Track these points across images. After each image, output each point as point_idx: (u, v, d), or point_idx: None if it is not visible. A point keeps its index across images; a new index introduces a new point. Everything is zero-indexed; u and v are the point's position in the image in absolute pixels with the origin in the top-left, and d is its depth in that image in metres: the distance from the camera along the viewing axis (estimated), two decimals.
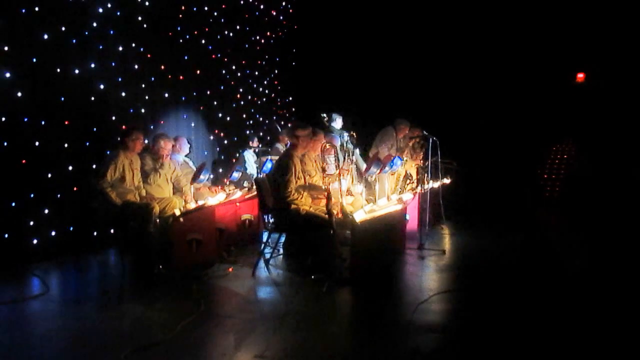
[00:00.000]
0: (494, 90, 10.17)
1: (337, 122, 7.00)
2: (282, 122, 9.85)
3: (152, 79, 6.61)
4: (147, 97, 6.51)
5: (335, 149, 5.33)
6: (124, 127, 5.72)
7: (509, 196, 9.79)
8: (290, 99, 10.67)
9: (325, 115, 6.78)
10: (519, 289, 4.33)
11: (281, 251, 5.36)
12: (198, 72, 7.63)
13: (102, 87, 5.77)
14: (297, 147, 4.76)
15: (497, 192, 9.83)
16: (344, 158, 6.07)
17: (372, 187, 6.69)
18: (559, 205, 10.27)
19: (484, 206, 9.26)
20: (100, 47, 5.79)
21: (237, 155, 8.42)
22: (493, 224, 8.01)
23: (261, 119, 9.67)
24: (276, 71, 10.18)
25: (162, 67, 6.80)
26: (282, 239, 5.34)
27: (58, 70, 5.30)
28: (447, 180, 7.95)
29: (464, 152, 9.02)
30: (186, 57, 7.32)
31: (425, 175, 6.24)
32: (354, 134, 6.16)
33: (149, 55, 6.51)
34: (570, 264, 5.35)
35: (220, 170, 7.93)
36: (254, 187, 5.52)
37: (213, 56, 8.08)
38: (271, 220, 4.93)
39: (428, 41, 10.12)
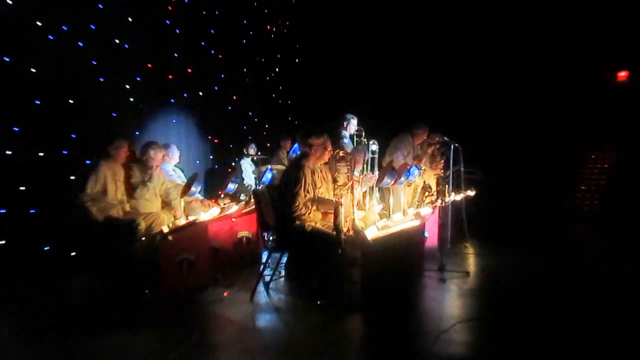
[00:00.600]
0: (523, 90, 10.21)
1: (352, 126, 6.91)
2: (284, 127, 9.92)
3: (138, 78, 6.70)
4: (132, 100, 6.59)
5: (352, 157, 5.37)
6: (106, 133, 5.79)
7: (541, 211, 9.78)
8: (291, 101, 10.75)
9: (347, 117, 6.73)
10: (554, 319, 4.32)
11: (283, 273, 5.38)
12: (189, 70, 7.72)
13: (81, 88, 5.85)
14: (310, 156, 4.81)
15: (529, 206, 9.83)
16: (366, 169, 6.00)
17: (386, 200, 6.72)
18: (599, 222, 10.23)
19: (514, 222, 9.26)
20: (80, 43, 5.88)
21: (233, 164, 8.48)
22: (524, 242, 7.99)
23: (260, 122, 9.75)
24: (277, 69, 10.27)
25: (149, 65, 6.89)
26: (284, 259, 5.36)
27: (32, 70, 5.38)
28: (471, 192, 7.97)
29: (490, 160, 9.05)
30: (176, 55, 7.41)
31: (446, 186, 6.27)
32: (365, 140, 6.21)
33: (134, 53, 6.60)
34: (614, 290, 5.33)
35: (215, 181, 7.99)
36: (252, 200, 5.56)
37: (206, 53, 8.17)
38: (271, 238, 4.96)
39: (448, 34, 10.20)
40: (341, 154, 5.00)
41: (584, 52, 10.04)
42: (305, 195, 4.66)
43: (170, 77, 7.30)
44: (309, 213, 4.65)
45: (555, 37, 9.99)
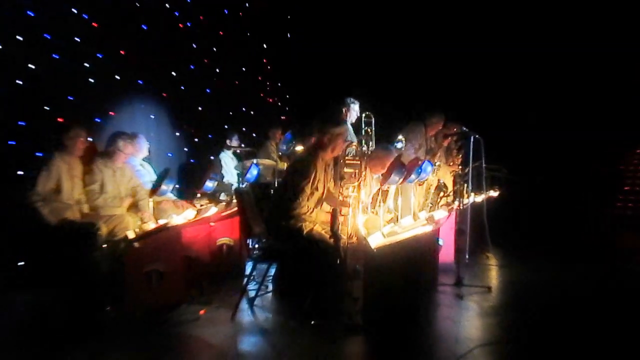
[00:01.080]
0: (555, 75, 10.23)
1: (353, 112, 6.85)
2: (273, 114, 9.94)
3: (100, 55, 6.69)
4: (92, 81, 6.58)
5: (376, 158, 5.41)
6: (60, 121, 5.78)
7: (578, 214, 9.81)
8: (281, 84, 10.75)
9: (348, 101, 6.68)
10: (593, 341, 4.33)
11: (270, 287, 5.38)
12: (161, 47, 7.71)
13: (32, 67, 5.83)
14: (326, 148, 4.83)
15: (562, 209, 9.85)
16: None
17: (394, 201, 6.73)
18: None
19: (545, 228, 9.28)
20: (32, 14, 5.85)
21: (212, 158, 8.48)
22: (557, 251, 8.02)
23: (245, 109, 9.75)
24: (265, 45, 10.27)
25: (113, 40, 6.87)
26: (272, 271, 5.36)
27: None
28: (494, 193, 8.01)
29: (516, 154, 9.07)
30: (145, 27, 7.40)
31: (465, 185, 6.28)
32: (369, 130, 6.20)
33: (94, 25, 6.58)
34: None
35: (190, 178, 7.98)
36: (234, 201, 5.56)
37: (180, 25, 8.16)
38: (257, 246, 4.96)
39: (471, 14, 10.22)
40: (352, 146, 5.01)
41: (628, 40, 10.06)
42: (313, 193, 4.68)
43: (137, 55, 7.28)
44: (311, 212, 4.66)
45: (599, 25, 10.00)
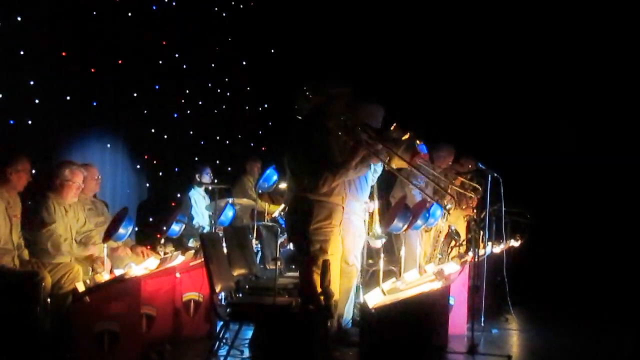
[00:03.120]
0: (590, 100, 10.32)
1: None
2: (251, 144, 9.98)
3: (46, 70, 6.75)
4: (37, 101, 6.63)
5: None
6: None
7: (616, 269, 9.81)
8: (267, 105, 10.80)
9: None
10: None
11: (246, 353, 5.38)
12: (119, 62, 7.78)
13: None
14: (328, 113, 4.81)
15: (597, 261, 9.85)
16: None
17: (396, 251, 6.76)
18: None
19: (578, 284, 9.27)
20: None
21: (179, 195, 8.50)
22: (589, 314, 8.01)
23: (219, 137, 9.77)
24: (244, 62, 10.35)
25: (63, 53, 6.96)
26: (249, 333, 5.36)
27: None
28: (515, 242, 8.04)
29: (542, 196, 9.13)
30: (101, 39, 7.47)
31: (481, 233, 6.32)
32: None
33: (39, 35, 6.63)
34: None
35: (151, 219, 8.00)
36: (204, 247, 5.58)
37: (144, 36, 8.22)
38: (223, 303, 4.95)
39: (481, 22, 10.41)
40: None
41: None
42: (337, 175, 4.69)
43: (92, 70, 7.34)
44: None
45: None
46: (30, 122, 6.56)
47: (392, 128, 4.89)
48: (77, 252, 5.49)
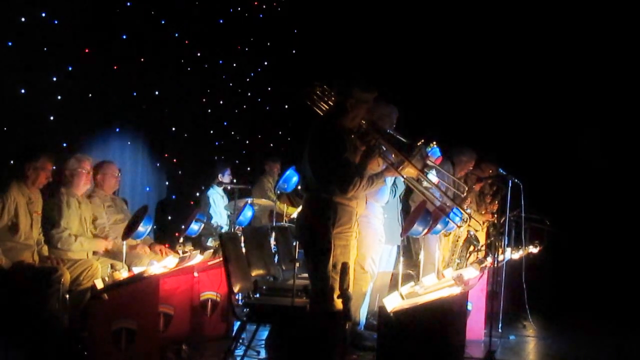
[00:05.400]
0: (615, 107, 10.25)
1: None
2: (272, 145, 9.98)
3: (70, 68, 6.80)
4: (59, 98, 6.66)
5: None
6: (21, 145, 5.84)
7: (636, 277, 9.73)
8: (287, 105, 10.80)
9: None
10: None
11: (263, 354, 5.38)
12: (142, 59, 7.81)
13: None
14: (346, 115, 4.73)
15: (616, 269, 9.78)
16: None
17: (414, 255, 6.74)
18: None
19: (597, 291, 9.20)
20: None
21: (199, 195, 8.51)
22: (608, 322, 7.95)
23: (239, 137, 9.78)
24: (266, 63, 10.36)
25: (86, 50, 6.99)
26: (265, 334, 5.36)
27: None
28: (534, 249, 8.00)
29: (563, 203, 9.07)
30: (124, 37, 7.51)
31: (501, 239, 6.29)
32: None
33: (63, 32, 6.67)
34: None
35: (170, 218, 8.01)
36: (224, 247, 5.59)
37: (167, 34, 8.24)
38: (240, 303, 4.95)
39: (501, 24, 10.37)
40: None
41: None
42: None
43: (115, 67, 7.37)
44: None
45: None
46: (52, 118, 6.58)
47: (418, 144, 4.83)
48: (88, 247, 5.54)
